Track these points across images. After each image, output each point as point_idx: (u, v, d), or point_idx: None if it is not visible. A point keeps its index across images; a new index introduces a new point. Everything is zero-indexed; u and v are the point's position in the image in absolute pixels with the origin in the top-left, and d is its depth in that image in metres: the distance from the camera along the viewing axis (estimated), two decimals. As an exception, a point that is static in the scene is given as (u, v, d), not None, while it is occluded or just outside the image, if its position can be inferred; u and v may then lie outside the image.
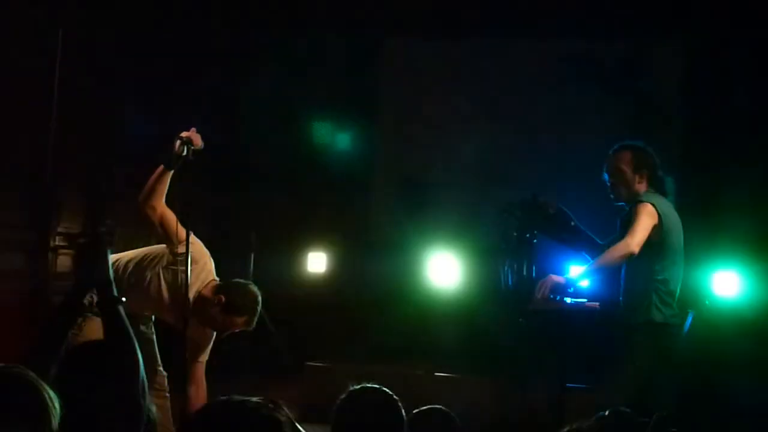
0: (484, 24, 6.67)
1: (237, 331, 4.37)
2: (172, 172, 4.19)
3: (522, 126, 6.71)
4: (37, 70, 5.69)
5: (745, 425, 5.11)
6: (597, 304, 4.51)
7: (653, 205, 4.38)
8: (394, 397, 2.80)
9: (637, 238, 4.26)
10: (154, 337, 4.61)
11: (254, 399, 2.02)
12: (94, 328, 4.32)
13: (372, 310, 6.65)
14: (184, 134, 4.17)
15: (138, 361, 2.58)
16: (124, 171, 6.32)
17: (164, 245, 4.38)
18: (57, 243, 5.87)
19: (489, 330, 6.25)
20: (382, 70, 7.09)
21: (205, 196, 4.09)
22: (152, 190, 4.22)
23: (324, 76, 6.87)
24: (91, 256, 2.85)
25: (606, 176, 4.61)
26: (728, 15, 6.16)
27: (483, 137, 6.76)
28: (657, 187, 4.53)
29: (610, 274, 4.52)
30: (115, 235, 4.00)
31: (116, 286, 4.27)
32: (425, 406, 3.12)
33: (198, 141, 4.19)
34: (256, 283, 4.45)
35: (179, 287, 4.18)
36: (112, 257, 4.47)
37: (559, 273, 5.38)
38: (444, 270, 6.63)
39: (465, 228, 6.70)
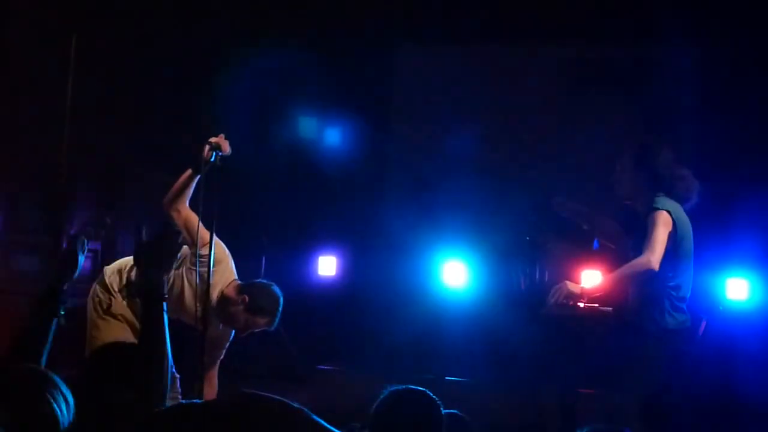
0: (495, 29, 6.64)
1: (256, 330, 4.46)
2: (198, 176, 4.22)
3: (535, 129, 6.69)
4: (52, 76, 5.71)
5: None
6: (610, 308, 4.48)
7: (668, 212, 4.34)
8: (436, 399, 2.76)
9: (656, 254, 4.22)
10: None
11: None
12: (113, 329, 4.39)
13: (383, 314, 6.63)
14: (213, 140, 4.23)
15: (167, 367, 2.60)
16: (137, 173, 6.36)
17: (184, 247, 4.40)
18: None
19: (501, 334, 6.22)
20: (395, 74, 7.07)
21: (223, 200, 4.10)
22: (178, 194, 4.30)
23: (336, 80, 6.86)
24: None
25: (611, 175, 4.56)
26: (743, 16, 6.12)
27: (496, 141, 6.74)
28: (670, 188, 4.47)
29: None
30: (100, 234, 4.03)
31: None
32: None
33: (226, 147, 4.26)
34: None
35: (202, 287, 4.23)
36: (132, 258, 4.53)
37: (572, 277, 5.37)
38: (456, 274, 6.61)
39: (477, 232, 6.67)
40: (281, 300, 4.42)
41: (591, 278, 6.16)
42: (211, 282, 4.19)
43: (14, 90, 5.46)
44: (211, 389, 4.53)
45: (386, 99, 7.10)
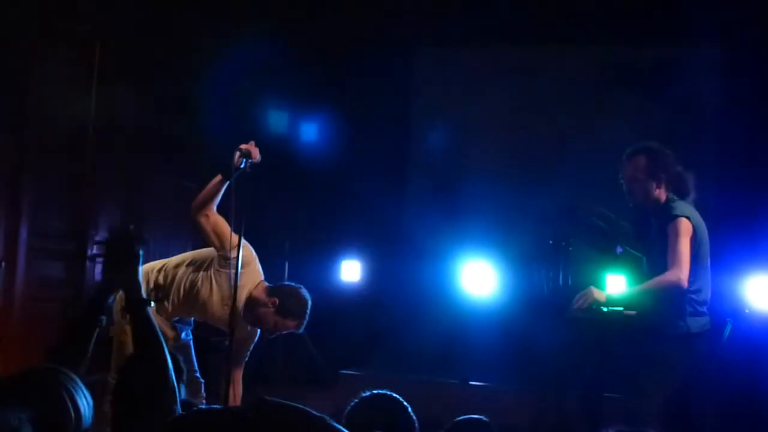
0: (517, 31, 6.64)
1: (284, 332, 4.51)
2: (227, 182, 4.27)
3: (557, 132, 6.67)
4: (76, 80, 5.76)
5: None
6: (634, 312, 4.46)
7: (687, 218, 4.32)
8: (405, 403, 2.79)
9: (685, 270, 4.20)
10: (192, 343, 4.71)
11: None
12: None
13: (406, 318, 6.64)
14: (243, 146, 4.26)
15: (166, 366, 2.59)
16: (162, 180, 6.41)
17: (208, 249, 4.50)
18: (94, 252, 5.96)
19: (525, 338, 6.21)
20: (415, 76, 7.08)
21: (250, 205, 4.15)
22: (207, 199, 4.34)
23: (356, 83, 6.88)
24: (120, 254, 2.80)
25: (622, 182, 4.53)
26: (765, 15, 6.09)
27: (517, 143, 6.73)
28: (677, 188, 4.45)
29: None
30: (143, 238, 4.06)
31: (164, 291, 4.42)
32: (461, 415, 3.11)
33: (256, 154, 4.29)
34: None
35: (230, 289, 4.26)
36: (158, 262, 4.59)
37: (596, 281, 5.35)
38: (478, 277, 6.61)
39: (500, 235, 6.67)
40: (310, 303, 4.45)
41: (615, 283, 6.15)
42: (239, 284, 4.21)
43: (40, 99, 5.51)
44: (236, 392, 4.54)
45: (407, 102, 7.09)
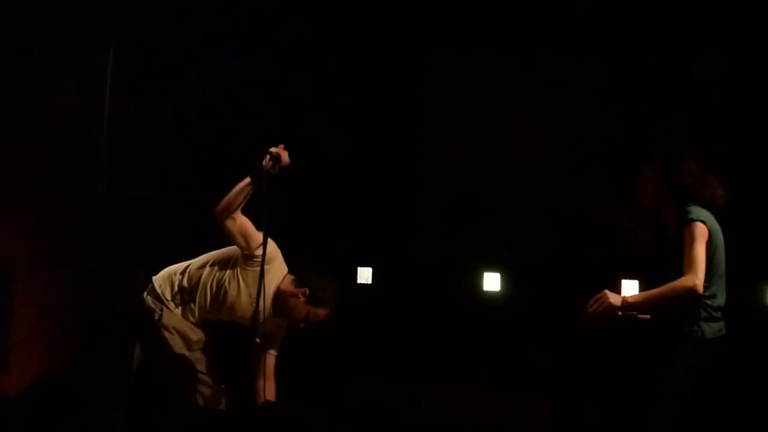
0: (530, 36, 6.62)
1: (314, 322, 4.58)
2: (255, 186, 4.32)
3: (574, 138, 6.64)
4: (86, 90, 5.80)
5: None
6: (648, 317, 4.44)
7: (703, 222, 4.29)
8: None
9: (700, 276, 4.17)
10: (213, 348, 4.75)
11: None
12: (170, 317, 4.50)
13: (421, 325, 6.63)
14: (273, 150, 4.30)
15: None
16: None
17: (232, 248, 4.56)
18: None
19: (539, 343, 6.21)
20: (430, 82, 7.07)
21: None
22: (235, 203, 4.38)
23: (370, 88, 6.87)
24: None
25: (635, 187, 4.51)
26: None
27: (535, 150, 6.71)
28: (688, 194, 4.40)
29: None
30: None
31: (190, 294, 4.48)
32: (474, 422, 3.09)
33: (286, 158, 4.33)
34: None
35: (258, 285, 4.31)
36: (181, 265, 4.63)
37: (611, 286, 5.33)
38: (495, 285, 6.61)
39: (516, 242, 6.65)
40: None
41: (630, 287, 6.13)
42: (266, 280, 4.29)
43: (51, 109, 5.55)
44: (269, 382, 4.64)
45: (421, 108, 7.07)
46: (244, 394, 4.67)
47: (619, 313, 4.35)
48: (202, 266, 4.64)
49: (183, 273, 4.67)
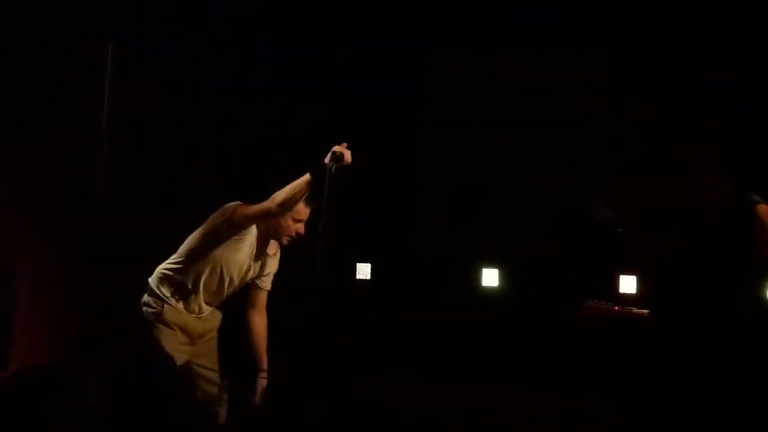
0: (530, 32, 6.62)
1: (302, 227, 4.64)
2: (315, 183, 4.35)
3: (573, 134, 6.64)
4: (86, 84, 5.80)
5: None
6: (646, 311, 4.45)
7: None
8: None
9: None
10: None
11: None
12: (165, 338, 4.53)
13: (420, 321, 6.64)
14: (336, 149, 4.28)
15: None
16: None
17: (207, 228, 4.63)
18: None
19: (534, 339, 6.22)
20: (429, 77, 7.07)
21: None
22: (294, 199, 4.42)
23: (370, 83, 6.88)
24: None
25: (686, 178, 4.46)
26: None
27: (533, 146, 6.71)
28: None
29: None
30: None
31: (188, 286, 4.51)
32: (475, 420, 3.10)
33: (348, 157, 4.31)
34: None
35: (250, 249, 4.61)
36: (169, 261, 4.64)
37: (609, 281, 5.35)
38: (494, 279, 6.63)
39: (515, 236, 6.66)
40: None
41: (628, 282, 6.15)
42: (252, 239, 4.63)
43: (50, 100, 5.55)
44: (261, 316, 4.86)
45: (421, 103, 7.08)
46: (245, 392, 4.72)
47: (616, 308, 4.36)
48: (191, 254, 4.66)
49: (174, 267, 4.69)
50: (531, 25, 6.56)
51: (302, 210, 4.59)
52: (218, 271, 4.62)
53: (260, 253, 4.73)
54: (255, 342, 4.84)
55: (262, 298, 4.86)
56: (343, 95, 6.84)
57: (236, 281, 4.71)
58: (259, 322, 4.84)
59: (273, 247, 4.81)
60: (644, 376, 4.38)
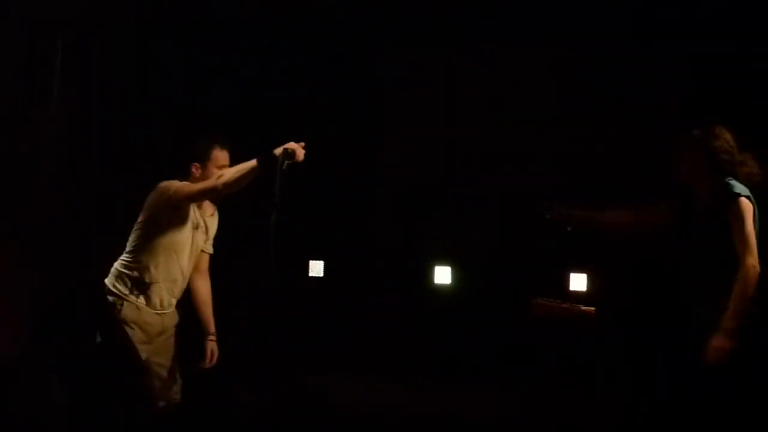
0: (483, 32, 6.66)
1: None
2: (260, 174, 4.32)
3: (526, 132, 6.69)
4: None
5: None
6: (593, 309, 4.50)
7: (748, 198, 4.18)
8: None
9: (755, 252, 4.04)
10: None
11: None
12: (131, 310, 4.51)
13: (372, 318, 6.66)
14: (290, 145, 4.25)
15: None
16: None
17: (147, 217, 4.61)
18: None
19: (491, 336, 6.26)
20: (384, 77, 7.08)
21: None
22: (240, 184, 4.40)
23: (324, 83, 6.88)
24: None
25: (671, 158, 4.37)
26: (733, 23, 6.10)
27: (485, 144, 6.75)
28: (726, 168, 4.26)
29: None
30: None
31: (145, 279, 4.49)
32: (422, 415, 3.11)
33: (301, 156, 4.27)
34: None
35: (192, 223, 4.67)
36: (120, 258, 4.61)
37: (560, 279, 5.39)
38: (446, 277, 6.66)
39: (468, 234, 6.70)
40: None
41: (579, 280, 6.23)
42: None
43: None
44: (205, 280, 4.89)
45: (375, 102, 7.09)
46: (201, 390, 4.71)
47: (564, 305, 4.39)
48: (141, 245, 4.63)
49: (128, 263, 4.66)
50: (483, 26, 6.61)
51: (221, 156, 4.64)
52: (172, 254, 4.60)
53: (201, 219, 4.75)
54: (201, 306, 4.85)
55: (205, 261, 4.87)
56: (299, 94, 6.84)
57: (192, 257, 4.72)
58: (204, 286, 4.87)
59: (209, 208, 4.83)
60: (588, 370, 4.42)
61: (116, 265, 4.69)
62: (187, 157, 4.64)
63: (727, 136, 4.29)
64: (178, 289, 4.73)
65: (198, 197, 4.59)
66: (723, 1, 6.03)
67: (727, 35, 6.09)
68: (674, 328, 4.28)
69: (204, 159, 4.64)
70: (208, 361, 4.80)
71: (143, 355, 4.52)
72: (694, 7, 6.09)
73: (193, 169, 4.64)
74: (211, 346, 4.81)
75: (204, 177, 4.61)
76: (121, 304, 4.56)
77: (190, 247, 4.69)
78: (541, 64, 6.69)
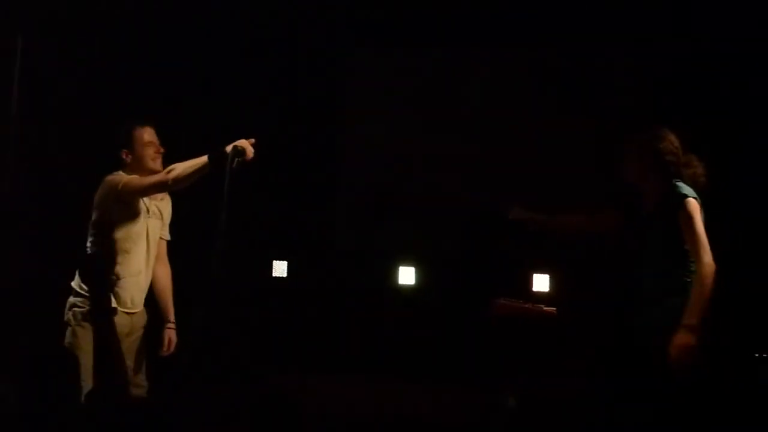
0: (449, 35, 6.68)
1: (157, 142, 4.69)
2: (209, 170, 4.27)
3: (488, 134, 6.71)
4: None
5: None
6: (554, 309, 4.53)
7: (695, 198, 4.23)
8: None
9: (709, 250, 4.09)
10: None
11: None
12: (88, 335, 4.43)
13: (336, 318, 6.66)
14: (240, 143, 4.20)
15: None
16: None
17: (99, 216, 4.58)
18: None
19: (453, 337, 6.28)
20: (346, 78, 7.08)
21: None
22: (189, 180, 4.35)
23: (286, 83, 6.87)
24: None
25: (619, 156, 4.42)
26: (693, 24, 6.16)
27: (447, 145, 6.77)
28: (671, 170, 4.33)
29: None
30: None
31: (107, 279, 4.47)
32: (387, 416, 3.12)
33: (250, 154, 4.22)
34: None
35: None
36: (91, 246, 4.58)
37: (522, 280, 5.41)
38: (409, 279, 6.68)
39: (432, 235, 6.72)
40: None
41: (541, 281, 6.27)
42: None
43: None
44: (165, 267, 4.86)
45: (337, 103, 7.09)
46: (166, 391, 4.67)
47: (526, 305, 4.42)
48: (98, 245, 4.59)
49: (96, 243, 4.62)
50: (446, 28, 6.63)
51: (143, 134, 4.64)
52: (131, 246, 4.56)
53: (152, 204, 4.71)
54: (160, 293, 4.81)
55: (164, 248, 4.84)
56: (262, 94, 6.82)
57: (152, 246, 4.68)
58: (163, 273, 4.83)
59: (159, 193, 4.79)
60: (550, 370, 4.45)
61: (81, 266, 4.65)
62: (115, 147, 4.63)
63: (672, 137, 4.36)
64: (145, 282, 4.69)
65: (147, 192, 4.55)
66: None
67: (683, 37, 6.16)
68: (626, 329, 4.32)
69: (128, 143, 4.63)
70: (165, 348, 4.76)
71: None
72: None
73: (123, 156, 4.62)
74: (170, 334, 4.77)
75: (137, 160, 4.61)
76: (88, 306, 4.52)
77: (146, 236, 4.64)
78: (507, 66, 6.72)
